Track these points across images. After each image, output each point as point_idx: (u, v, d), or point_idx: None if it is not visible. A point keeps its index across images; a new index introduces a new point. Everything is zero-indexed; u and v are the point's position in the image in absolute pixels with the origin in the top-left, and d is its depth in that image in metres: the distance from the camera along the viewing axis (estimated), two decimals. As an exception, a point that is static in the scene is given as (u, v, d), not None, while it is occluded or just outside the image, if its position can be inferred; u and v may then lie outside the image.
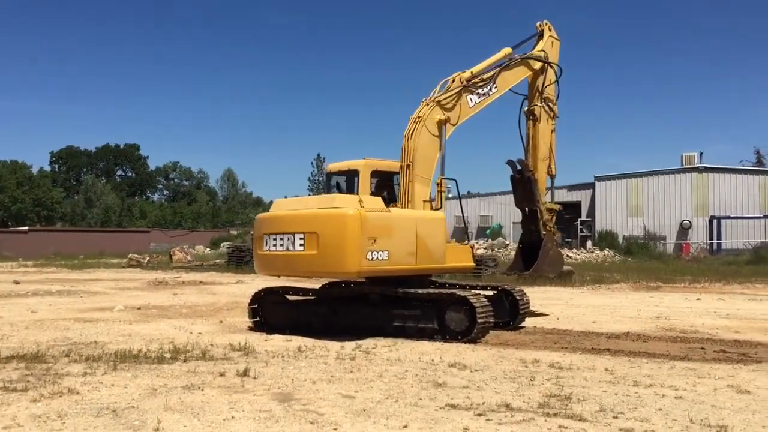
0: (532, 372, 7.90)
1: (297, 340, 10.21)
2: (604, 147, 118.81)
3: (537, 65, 13.98)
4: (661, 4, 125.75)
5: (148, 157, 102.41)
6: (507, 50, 13.59)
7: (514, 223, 50.25)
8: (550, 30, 14.59)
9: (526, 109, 14.25)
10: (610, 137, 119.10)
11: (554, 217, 14.29)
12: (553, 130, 14.46)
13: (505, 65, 13.34)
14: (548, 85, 14.17)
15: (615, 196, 48.25)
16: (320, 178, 79.47)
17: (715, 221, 45.16)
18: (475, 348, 9.67)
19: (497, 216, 50.45)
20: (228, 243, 41.65)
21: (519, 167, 14.09)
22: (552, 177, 14.53)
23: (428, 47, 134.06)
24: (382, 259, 10.12)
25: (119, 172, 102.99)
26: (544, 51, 14.15)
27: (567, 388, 7.02)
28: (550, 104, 14.28)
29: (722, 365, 8.50)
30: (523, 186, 14.03)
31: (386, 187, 11.69)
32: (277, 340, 10.32)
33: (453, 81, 12.42)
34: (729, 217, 44.86)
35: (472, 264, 11.66)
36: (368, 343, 9.92)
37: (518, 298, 11.95)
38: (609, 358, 8.99)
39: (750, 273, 26.60)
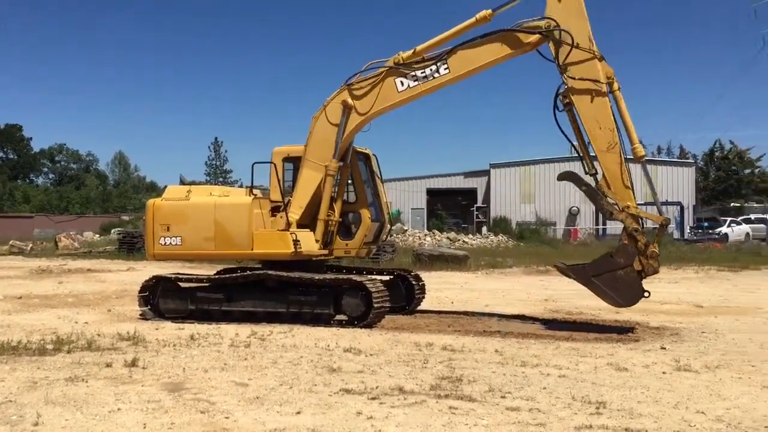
0: (426, 355, 8.06)
1: (190, 328, 9.97)
2: (500, 135, 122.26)
3: (531, 38, 10.14)
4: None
5: (31, 138, 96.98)
6: (485, 13, 10.47)
7: (412, 209, 51.08)
8: None
9: (560, 92, 10.25)
10: (505, 126, 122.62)
11: (642, 224, 10.00)
12: (612, 102, 10.03)
13: (467, 42, 10.47)
14: (569, 60, 9.92)
15: (509, 183, 49.87)
16: (217, 163, 77.81)
17: (601, 208, 47.38)
18: (371, 333, 9.76)
19: (396, 202, 51.06)
20: (119, 229, 40.10)
21: (580, 181, 10.68)
22: (640, 160, 10.32)
23: (349, 28, 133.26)
24: (176, 245, 11.01)
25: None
26: (552, 20, 9.96)
27: (458, 369, 7.21)
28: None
29: (603, 344, 8.97)
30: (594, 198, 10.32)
31: None
32: (169, 329, 10.04)
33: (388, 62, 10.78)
34: (613, 204, 47.20)
35: (289, 251, 10.47)
36: (264, 329, 9.82)
37: (414, 282, 12.16)
38: (499, 339, 9.30)
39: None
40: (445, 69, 10.51)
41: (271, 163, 11.35)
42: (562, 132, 10.61)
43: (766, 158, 65.51)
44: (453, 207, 52.18)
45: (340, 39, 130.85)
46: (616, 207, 9.88)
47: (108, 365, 7.33)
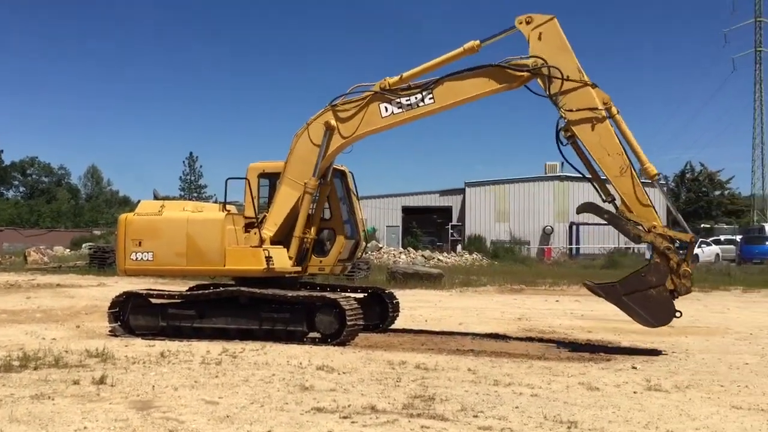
0: (399, 373, 8.03)
1: (160, 345, 9.84)
2: (475, 154, 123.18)
3: (520, 75, 10.15)
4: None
5: (2, 151, 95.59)
6: (472, 44, 10.44)
7: (387, 226, 51.12)
8: (528, 23, 10.10)
9: (560, 128, 10.20)
10: (480, 145, 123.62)
11: (673, 240, 9.77)
12: (613, 126, 9.95)
13: (454, 73, 10.44)
14: (562, 92, 9.91)
15: (483, 202, 50.19)
16: (192, 178, 77.33)
17: (574, 227, 47.94)
18: (344, 350, 9.71)
19: (371, 219, 51.06)
20: (90, 243, 39.57)
21: (600, 210, 10.43)
22: (654, 179, 10.19)
23: (329, 48, 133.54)
24: (147, 260, 10.92)
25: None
26: (539, 57, 9.98)
27: (431, 388, 7.19)
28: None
29: (575, 363, 9.01)
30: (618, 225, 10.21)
31: None
32: (139, 346, 9.90)
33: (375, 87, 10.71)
34: (586, 224, 47.66)
35: (261, 268, 10.40)
36: (236, 346, 9.72)
37: (388, 300, 12.14)
38: (472, 358, 9.30)
39: (604, 276, 28.25)
40: (430, 99, 10.49)
41: (245, 179, 11.30)
42: (573, 166, 10.65)
43: (735, 180, 66.74)
44: (428, 225, 52.34)
45: (318, 56, 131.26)
46: (641, 229, 9.74)
47: (75, 382, 7.20)
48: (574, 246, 47.72)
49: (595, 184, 10.51)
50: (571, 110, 9.89)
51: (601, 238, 47.36)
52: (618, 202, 10.09)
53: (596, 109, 9.83)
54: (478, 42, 10.44)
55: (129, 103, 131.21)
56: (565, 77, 9.87)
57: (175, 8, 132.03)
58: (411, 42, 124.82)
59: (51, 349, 9.29)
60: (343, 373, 8.02)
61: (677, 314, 9.51)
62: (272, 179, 11.72)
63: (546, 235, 48.94)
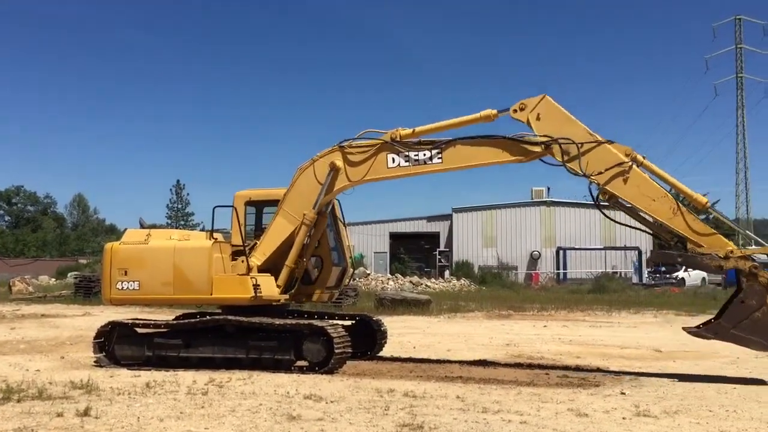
0: (387, 401, 7.97)
1: (146, 376, 9.73)
2: (462, 180, 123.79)
3: (536, 149, 10.17)
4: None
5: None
6: (489, 113, 10.52)
7: (375, 252, 51.08)
8: (522, 109, 10.24)
9: (597, 194, 10.23)
10: (466, 171, 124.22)
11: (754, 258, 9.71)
12: (646, 172, 10.06)
13: (468, 138, 10.42)
14: (575, 158, 9.92)
15: (471, 228, 50.29)
16: (179, 206, 77.01)
17: (561, 252, 48.10)
18: (332, 379, 9.64)
19: (359, 246, 51.01)
20: (76, 273, 39.25)
21: (673, 256, 10.31)
22: (706, 208, 10.66)
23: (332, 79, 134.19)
24: (133, 289, 10.81)
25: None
26: (546, 136, 10.04)
27: (420, 416, 7.14)
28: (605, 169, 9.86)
29: (564, 389, 8.99)
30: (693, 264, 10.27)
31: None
32: (125, 376, 9.78)
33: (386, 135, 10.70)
34: (573, 248, 47.96)
35: (248, 296, 10.35)
36: (222, 376, 9.63)
37: (376, 327, 12.09)
38: (461, 385, 9.26)
39: (591, 301, 28.44)
40: (439, 159, 10.48)
41: (232, 207, 11.29)
42: (632, 227, 10.66)
43: (720, 204, 67.29)
44: (416, 251, 52.34)
45: (307, 88, 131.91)
46: (718, 258, 9.54)
47: (59, 415, 7.09)
48: (561, 271, 47.79)
49: (655, 232, 10.38)
50: (600, 173, 9.89)
51: (588, 263, 47.56)
52: (686, 242, 9.87)
53: (622, 163, 9.84)
54: (495, 111, 10.50)
55: (116, 130, 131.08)
56: (579, 145, 9.90)
57: (163, 33, 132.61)
58: (402, 69, 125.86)
59: (35, 380, 9.17)
60: (331, 401, 7.96)
61: None
62: (259, 207, 11.72)
63: (533, 260, 49.03)
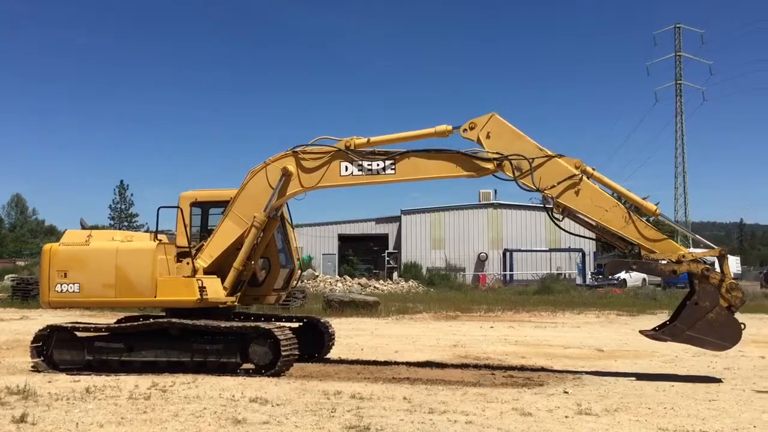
0: (334, 404, 7.94)
1: (86, 380, 9.47)
2: (411, 183, 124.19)
3: (488, 166, 10.32)
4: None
5: None
6: (444, 128, 10.63)
7: (323, 254, 50.91)
8: (472, 128, 10.45)
9: (551, 207, 10.39)
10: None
11: (704, 261, 9.93)
12: (596, 183, 10.33)
13: (422, 151, 10.57)
14: (527, 174, 10.13)
15: (419, 229, 50.57)
16: (122, 207, 75.39)
17: (507, 254, 48.79)
18: (279, 381, 9.56)
19: (307, 248, 50.78)
20: (13, 275, 37.98)
21: (627, 264, 10.90)
22: (656, 215, 10.96)
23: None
24: (73, 292, 10.55)
25: None
26: (497, 153, 10.22)
27: (366, 418, 7.14)
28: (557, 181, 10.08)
29: (509, 389, 9.11)
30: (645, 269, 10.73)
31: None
32: (63, 381, 9.51)
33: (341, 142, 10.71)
34: (520, 250, 48.70)
35: (194, 298, 10.19)
36: (166, 380, 9.44)
37: (324, 329, 12.04)
38: (408, 386, 9.29)
39: (537, 302, 28.90)
40: (392, 170, 10.54)
41: (177, 207, 11.10)
42: (584, 236, 11.00)
43: (659, 207, 69.17)
44: (364, 253, 52.39)
45: (255, 86, 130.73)
46: (672, 263, 9.79)
47: (-7, 422, 6.85)
48: (508, 272, 48.48)
49: (609, 240, 10.58)
50: (552, 186, 10.08)
51: (533, 265, 48.34)
52: (638, 249, 10.11)
53: (573, 176, 10.07)
54: (450, 127, 10.62)
55: (57, 129, 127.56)
56: (530, 160, 10.09)
57: (105, 33, 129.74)
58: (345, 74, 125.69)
59: (-33, 387, 8.83)
60: (277, 404, 7.89)
61: (743, 326, 9.62)
62: (205, 208, 11.55)
63: (481, 261, 49.61)
